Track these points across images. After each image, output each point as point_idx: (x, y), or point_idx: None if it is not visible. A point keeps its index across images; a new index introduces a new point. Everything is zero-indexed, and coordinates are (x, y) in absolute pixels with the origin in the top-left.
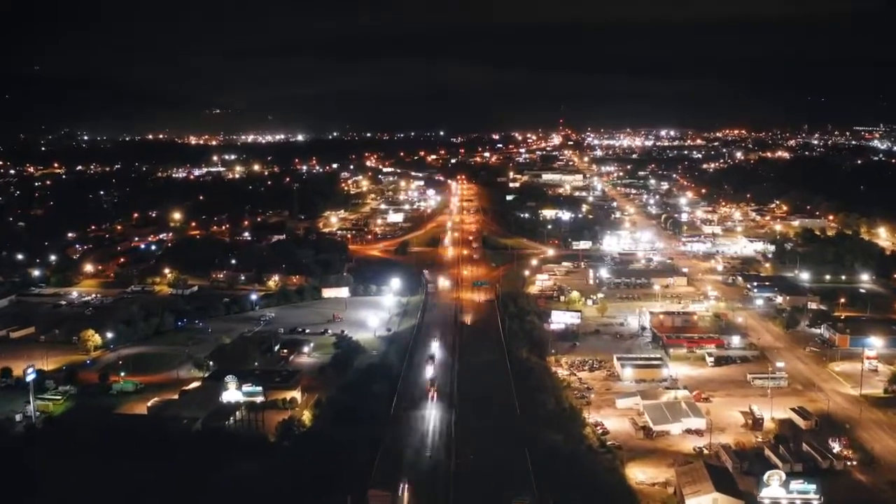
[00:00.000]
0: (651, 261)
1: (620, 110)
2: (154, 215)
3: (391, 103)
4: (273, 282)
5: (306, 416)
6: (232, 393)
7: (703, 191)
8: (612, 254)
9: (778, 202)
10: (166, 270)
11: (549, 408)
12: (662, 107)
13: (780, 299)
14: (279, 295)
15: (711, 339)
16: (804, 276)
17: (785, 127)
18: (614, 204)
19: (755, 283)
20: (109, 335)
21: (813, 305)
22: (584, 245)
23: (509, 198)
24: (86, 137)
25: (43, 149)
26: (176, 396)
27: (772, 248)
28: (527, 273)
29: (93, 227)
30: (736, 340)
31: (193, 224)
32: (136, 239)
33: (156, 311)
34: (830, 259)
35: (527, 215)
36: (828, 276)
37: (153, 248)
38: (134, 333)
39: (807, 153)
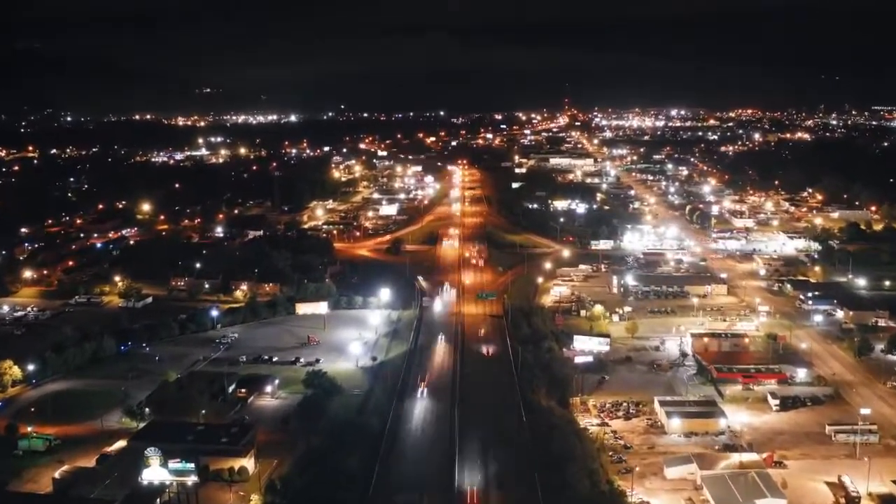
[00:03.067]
0: (681, 262)
1: (627, 89)
2: (122, 206)
3: (389, 83)
4: (241, 291)
5: None
6: (155, 471)
7: (727, 177)
8: (635, 254)
9: (811, 190)
10: (117, 278)
11: (582, 490)
12: (671, 86)
13: (840, 314)
14: (246, 309)
15: (772, 373)
16: (860, 281)
17: (800, 106)
18: (631, 192)
19: (809, 293)
20: (32, 367)
21: (882, 322)
22: (604, 245)
23: (515, 185)
24: (69, 118)
25: (22, 130)
26: (94, 463)
27: (815, 245)
28: (539, 280)
29: (50, 221)
30: (802, 374)
31: (162, 217)
32: (95, 235)
33: (95, 333)
34: (887, 260)
35: (535, 206)
36: (887, 283)
37: (111, 246)
38: (64, 363)
39: (827, 134)
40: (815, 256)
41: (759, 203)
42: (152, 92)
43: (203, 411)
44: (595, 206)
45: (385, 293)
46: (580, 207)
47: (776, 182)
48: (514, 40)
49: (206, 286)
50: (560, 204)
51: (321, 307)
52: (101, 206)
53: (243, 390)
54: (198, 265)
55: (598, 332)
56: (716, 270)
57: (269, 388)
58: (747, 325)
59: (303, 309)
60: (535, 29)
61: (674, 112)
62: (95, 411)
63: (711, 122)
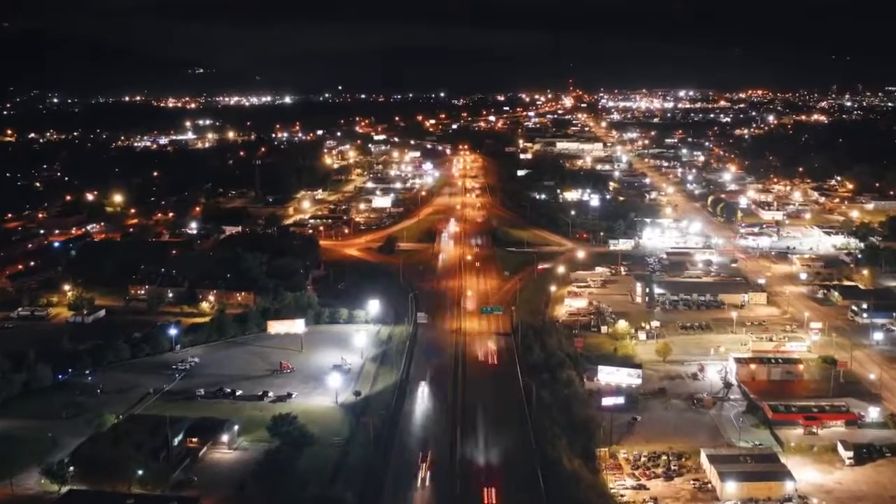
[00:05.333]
0: (710, 264)
1: (633, 70)
2: (92, 197)
3: (388, 63)
4: (208, 302)
5: None
6: None
7: (746, 163)
8: (657, 254)
9: (839, 178)
10: (67, 287)
11: None
12: (678, 66)
13: None
14: (212, 326)
15: (838, 412)
16: None
17: (811, 87)
18: (646, 181)
19: (862, 304)
20: None
21: None
22: (623, 244)
23: (521, 173)
24: (55, 100)
25: (5, 113)
26: None
27: (855, 242)
28: (552, 288)
29: (10, 216)
30: (874, 413)
31: (133, 211)
32: (56, 232)
33: (29, 359)
34: None
35: (544, 196)
36: None
37: (70, 245)
38: None
39: (844, 116)
40: (859, 256)
41: (785, 192)
42: (144, 73)
43: (140, 472)
44: (608, 197)
45: (374, 305)
46: (593, 199)
47: (800, 169)
48: (515, 24)
49: (170, 295)
50: (570, 195)
51: (297, 325)
52: (68, 198)
53: (194, 440)
54: (162, 269)
55: (624, 355)
56: (750, 274)
57: (225, 437)
58: (798, 346)
59: (276, 328)
60: (535, 13)
61: (682, 93)
62: (13, 466)
63: (722, 103)
